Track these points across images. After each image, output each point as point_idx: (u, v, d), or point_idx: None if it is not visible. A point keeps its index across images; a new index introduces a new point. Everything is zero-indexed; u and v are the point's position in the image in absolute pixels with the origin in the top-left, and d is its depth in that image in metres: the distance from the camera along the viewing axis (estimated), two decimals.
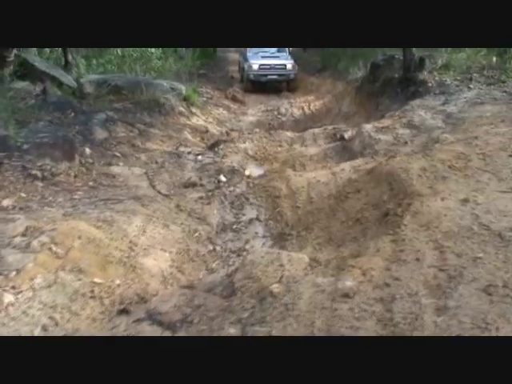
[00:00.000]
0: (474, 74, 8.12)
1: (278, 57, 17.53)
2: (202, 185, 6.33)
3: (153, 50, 14.47)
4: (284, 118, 12.36)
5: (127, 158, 7.54)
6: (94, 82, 10.48)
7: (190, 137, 9.36)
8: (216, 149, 8.14)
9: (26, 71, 10.54)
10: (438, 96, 7.50)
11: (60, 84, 10.55)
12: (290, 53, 18.32)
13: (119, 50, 13.82)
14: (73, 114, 8.74)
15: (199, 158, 7.76)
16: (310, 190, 5.68)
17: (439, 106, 7.00)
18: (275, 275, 3.80)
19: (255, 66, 16.89)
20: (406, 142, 6.18)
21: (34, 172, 5.70)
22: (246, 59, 17.50)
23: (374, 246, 3.81)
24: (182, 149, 8.40)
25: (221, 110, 13.11)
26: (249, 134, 9.03)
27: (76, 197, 5.40)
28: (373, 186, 4.99)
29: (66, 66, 12.65)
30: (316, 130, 8.42)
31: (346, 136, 7.42)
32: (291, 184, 5.94)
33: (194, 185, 6.34)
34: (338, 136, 7.60)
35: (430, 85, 8.04)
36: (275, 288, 3.39)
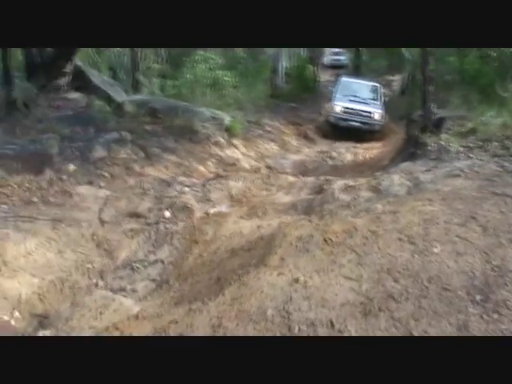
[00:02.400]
0: (494, 143, 7.35)
1: (367, 103, 15.73)
2: (145, 217, 6.31)
3: (227, 77, 14.77)
4: (330, 162, 11.99)
5: (113, 180, 7.74)
6: (135, 103, 10.90)
7: (202, 168, 9.38)
8: (209, 183, 8.09)
9: (82, 83, 11.21)
10: (429, 161, 6.89)
11: (110, 101, 11.09)
12: (383, 101, 16.67)
13: (190, 75, 14.28)
14: (93, 130, 9.15)
15: (185, 189, 7.75)
16: (226, 241, 5.47)
17: (418, 173, 6.43)
18: (94, 316, 3.75)
19: (337, 108, 15.45)
20: (349, 206, 5.74)
21: None
22: (331, 98, 16.36)
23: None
24: (180, 178, 8.45)
25: (272, 145, 13.02)
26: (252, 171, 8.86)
27: None
28: (253, 247, 4.72)
29: (136, 85, 13.30)
30: (308, 180, 8.10)
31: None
32: (220, 231, 5.76)
33: (138, 216, 6.35)
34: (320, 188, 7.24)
35: (429, 148, 7.42)
36: None
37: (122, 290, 4.94)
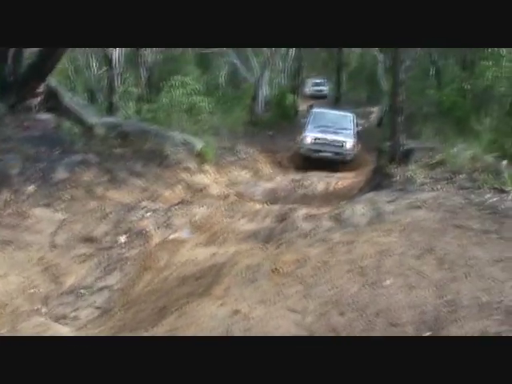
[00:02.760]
0: (462, 175, 7.28)
1: (338, 133, 15.19)
2: (99, 242, 6.11)
3: (203, 103, 14.71)
4: (302, 191, 11.86)
5: (73, 203, 7.52)
6: (106, 125, 10.73)
7: (168, 193, 9.19)
8: (172, 208, 7.92)
9: (54, 104, 11.03)
10: (393, 192, 6.79)
11: (81, 123, 10.91)
12: (356, 131, 16.11)
13: (166, 99, 14.18)
14: (58, 152, 8.95)
15: (147, 214, 7.57)
16: (178, 268, 5.29)
17: (381, 204, 6.31)
18: None
19: (308, 139, 15.03)
20: (307, 235, 5.61)
21: None
22: (303, 129, 15.91)
23: None
24: (144, 203, 8.25)
25: (245, 172, 12.89)
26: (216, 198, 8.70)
27: None
28: (203, 276, 4.54)
29: (111, 108, 13.16)
30: (274, 208, 7.96)
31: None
32: (174, 258, 5.59)
33: (91, 240, 6.15)
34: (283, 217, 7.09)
35: (395, 179, 7.34)
36: None
37: (64, 317, 4.74)
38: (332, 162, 14.66)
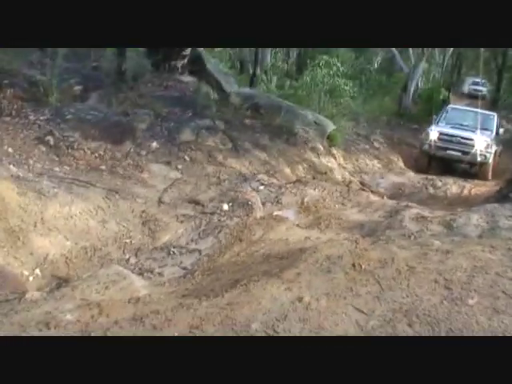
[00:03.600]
0: None
1: (472, 131, 12.93)
2: (203, 205, 6.22)
3: (346, 87, 14.38)
4: (431, 191, 11.20)
5: (192, 165, 7.75)
6: (242, 95, 10.88)
7: (289, 170, 9.16)
8: (286, 185, 7.86)
9: (197, 68, 11.41)
10: None
11: (219, 89, 11.19)
12: (499, 132, 13.74)
13: (308, 78, 14.05)
14: (189, 115, 9.25)
15: (261, 187, 7.58)
16: (269, 245, 5.25)
17: (501, 217, 5.73)
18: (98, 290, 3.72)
19: (433, 135, 12.77)
20: (410, 236, 5.26)
21: (47, 138, 6.23)
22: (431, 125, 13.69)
23: None
24: (261, 176, 8.28)
25: (376, 161, 12.50)
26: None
27: (57, 169, 5.77)
28: (287, 257, 4.47)
29: (252, 80, 13.35)
30: (389, 202, 7.61)
31: None
32: (268, 234, 5.56)
33: (197, 203, 6.27)
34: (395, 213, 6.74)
35: None
36: None
37: (150, 271, 4.86)
38: (462, 163, 12.92)
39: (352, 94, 14.69)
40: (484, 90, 30.12)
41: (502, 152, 13.89)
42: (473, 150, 12.40)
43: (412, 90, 21.23)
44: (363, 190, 8.85)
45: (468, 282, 3.75)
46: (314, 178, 9.52)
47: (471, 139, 12.47)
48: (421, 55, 19.75)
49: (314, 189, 7.85)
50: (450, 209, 7.94)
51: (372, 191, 9.15)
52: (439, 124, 13.45)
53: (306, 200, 7.30)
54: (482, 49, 21.33)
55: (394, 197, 9.30)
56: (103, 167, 6.35)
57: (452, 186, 11.80)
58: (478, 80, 30.65)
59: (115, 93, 8.40)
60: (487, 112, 14.94)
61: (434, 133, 12.79)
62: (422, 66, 21.42)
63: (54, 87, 7.91)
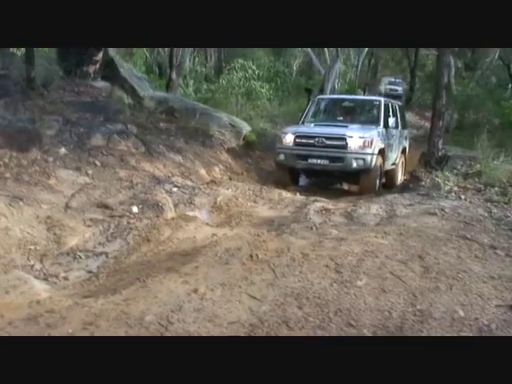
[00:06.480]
0: (494, 188, 6.92)
1: (345, 125, 9.34)
2: (112, 209, 6.21)
3: (262, 89, 14.67)
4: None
5: (103, 170, 7.69)
6: (156, 99, 10.90)
7: (204, 172, 9.25)
8: (199, 186, 7.95)
9: (110, 73, 11.30)
10: (416, 196, 6.52)
11: (133, 94, 11.14)
12: (388, 121, 9.49)
13: (224, 81, 14.25)
14: (100, 120, 9.17)
15: (174, 189, 7.62)
16: (176, 244, 5.31)
17: (399, 206, 6.10)
18: None
19: (287, 139, 9.16)
20: (312, 228, 5.49)
21: None
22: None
23: None
24: (175, 178, 8.32)
25: None
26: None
27: None
28: (190, 253, 4.56)
29: (168, 84, 13.36)
30: (298, 198, 7.86)
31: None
32: (176, 234, 5.60)
33: (106, 207, 6.25)
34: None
35: (422, 183, 7.05)
36: None
37: (55, 276, 4.81)
38: (331, 176, 9.54)
39: (268, 96, 15.01)
40: (400, 89, 31.25)
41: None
42: (343, 155, 8.69)
43: (328, 91, 21.77)
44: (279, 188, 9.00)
45: (358, 266, 3.98)
46: (230, 179, 9.67)
47: (341, 138, 8.76)
48: (335, 57, 20.30)
49: (227, 188, 7.99)
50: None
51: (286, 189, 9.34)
52: (304, 123, 10.17)
53: (218, 200, 7.41)
54: (396, 48, 22.21)
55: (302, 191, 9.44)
56: (8, 175, 6.22)
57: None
58: (394, 80, 31.74)
59: (23, 100, 8.22)
60: (370, 97, 12.59)
61: (288, 136, 9.21)
62: (338, 67, 22.01)
63: None
